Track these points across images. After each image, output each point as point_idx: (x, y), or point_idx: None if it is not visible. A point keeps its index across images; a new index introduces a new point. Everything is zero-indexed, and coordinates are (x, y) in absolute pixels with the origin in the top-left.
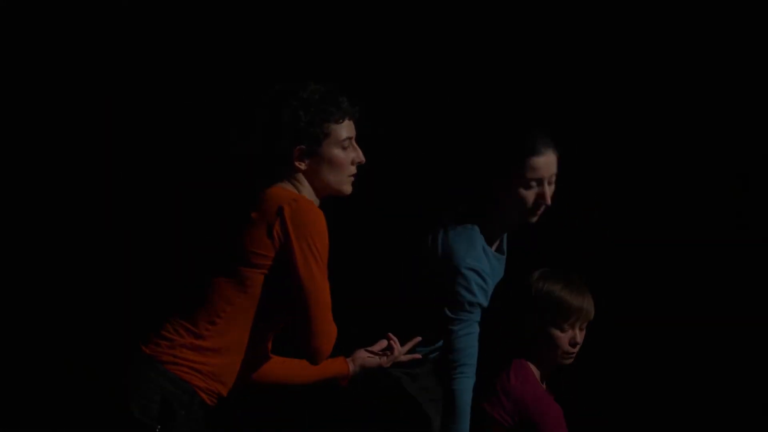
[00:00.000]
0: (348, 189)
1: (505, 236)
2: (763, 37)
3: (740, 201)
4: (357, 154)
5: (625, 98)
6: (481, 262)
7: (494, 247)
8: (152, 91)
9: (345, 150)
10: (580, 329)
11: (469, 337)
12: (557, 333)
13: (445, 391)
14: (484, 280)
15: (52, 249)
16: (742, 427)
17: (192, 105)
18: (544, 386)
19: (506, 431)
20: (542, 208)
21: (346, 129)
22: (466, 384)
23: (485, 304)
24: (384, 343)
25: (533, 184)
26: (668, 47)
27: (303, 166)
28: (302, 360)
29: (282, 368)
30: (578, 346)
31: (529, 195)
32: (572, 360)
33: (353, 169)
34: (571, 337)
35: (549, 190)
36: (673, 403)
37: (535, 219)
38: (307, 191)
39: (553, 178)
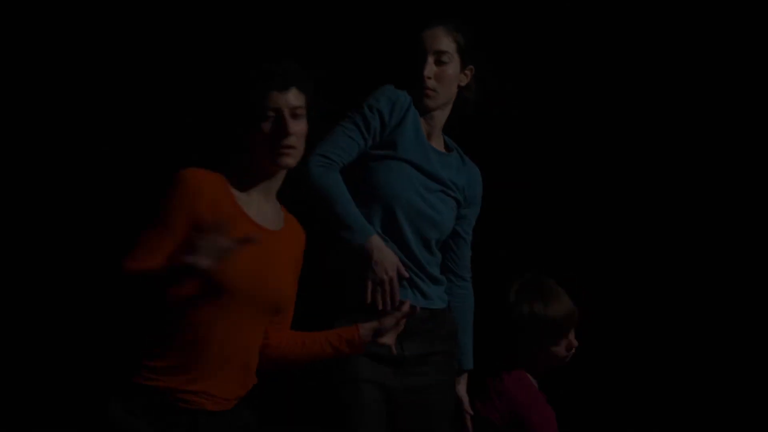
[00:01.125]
0: (284, 162)
1: (450, 145)
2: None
3: (727, 201)
4: (283, 128)
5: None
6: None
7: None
8: (134, 91)
9: (269, 124)
10: (573, 332)
11: (349, 139)
12: (554, 348)
13: (304, 177)
14: (394, 105)
15: (46, 251)
16: (738, 428)
17: (174, 105)
18: (535, 385)
19: (498, 431)
20: (424, 84)
21: (274, 101)
22: (324, 170)
23: (385, 125)
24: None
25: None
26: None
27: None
28: (310, 333)
29: (296, 343)
30: (574, 347)
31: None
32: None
33: (283, 143)
34: (567, 344)
35: (432, 68)
36: (667, 403)
37: (424, 99)
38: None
39: (441, 57)
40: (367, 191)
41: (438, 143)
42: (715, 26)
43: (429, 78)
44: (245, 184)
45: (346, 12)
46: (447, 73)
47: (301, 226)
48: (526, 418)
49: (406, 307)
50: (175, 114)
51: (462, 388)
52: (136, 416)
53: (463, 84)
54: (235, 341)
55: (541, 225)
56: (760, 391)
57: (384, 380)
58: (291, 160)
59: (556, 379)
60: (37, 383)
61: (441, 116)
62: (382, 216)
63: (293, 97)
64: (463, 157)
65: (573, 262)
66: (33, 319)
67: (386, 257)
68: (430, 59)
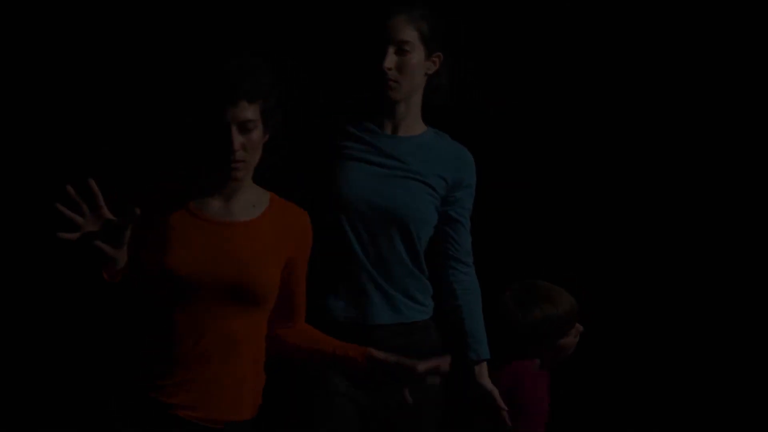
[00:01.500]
0: (232, 176)
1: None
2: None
3: (726, 201)
4: (229, 143)
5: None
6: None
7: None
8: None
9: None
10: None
11: None
12: (565, 339)
13: None
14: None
15: (45, 251)
16: (738, 428)
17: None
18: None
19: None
20: (385, 76)
21: (220, 115)
22: None
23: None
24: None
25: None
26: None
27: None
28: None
29: (301, 344)
30: (580, 332)
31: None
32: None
33: (230, 158)
34: (575, 333)
35: (393, 58)
36: (667, 403)
37: (386, 91)
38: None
39: (403, 46)
40: (324, 200)
41: (410, 131)
42: (715, 25)
43: (390, 69)
44: (205, 185)
45: (308, 3)
46: (410, 62)
47: (301, 210)
48: (520, 397)
49: (440, 364)
50: (174, 114)
51: (486, 381)
52: (117, 419)
53: (431, 72)
54: (209, 334)
55: (540, 225)
56: (760, 391)
57: (357, 395)
58: (239, 173)
59: (556, 379)
60: (31, 385)
61: (406, 107)
62: (347, 223)
63: (242, 111)
64: (444, 140)
65: (573, 261)
66: (30, 319)
67: None
68: (391, 50)
